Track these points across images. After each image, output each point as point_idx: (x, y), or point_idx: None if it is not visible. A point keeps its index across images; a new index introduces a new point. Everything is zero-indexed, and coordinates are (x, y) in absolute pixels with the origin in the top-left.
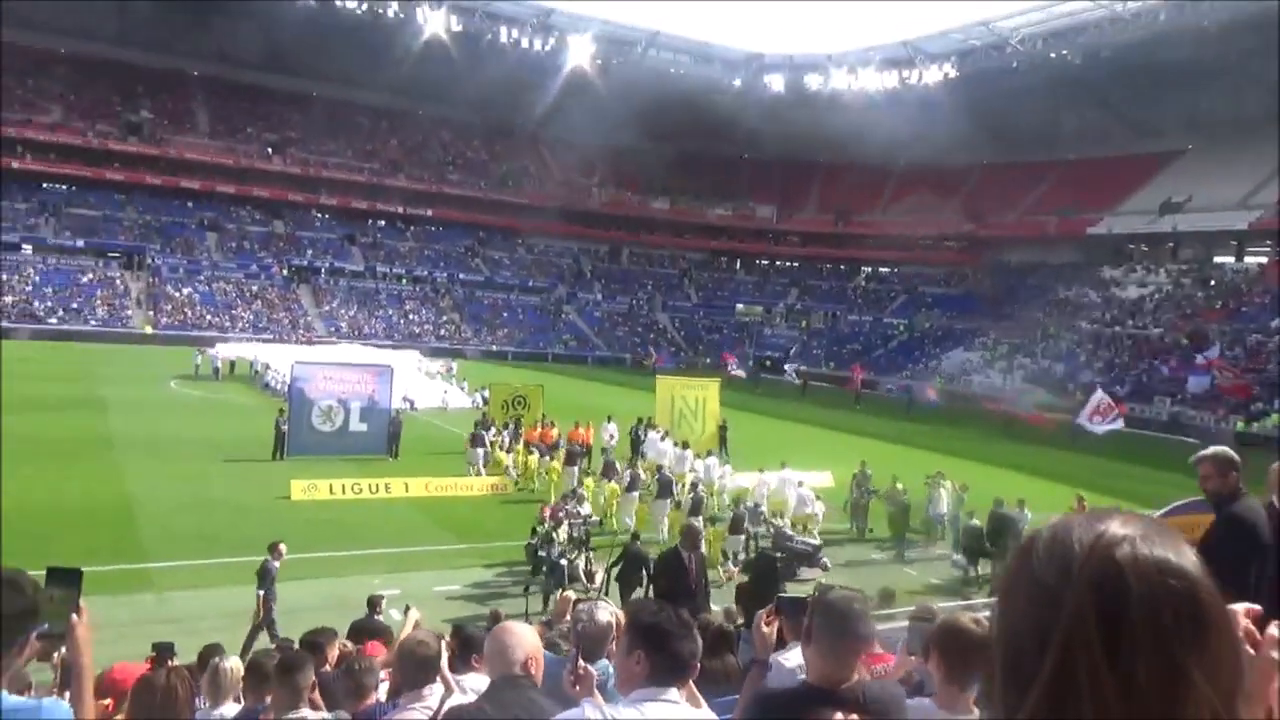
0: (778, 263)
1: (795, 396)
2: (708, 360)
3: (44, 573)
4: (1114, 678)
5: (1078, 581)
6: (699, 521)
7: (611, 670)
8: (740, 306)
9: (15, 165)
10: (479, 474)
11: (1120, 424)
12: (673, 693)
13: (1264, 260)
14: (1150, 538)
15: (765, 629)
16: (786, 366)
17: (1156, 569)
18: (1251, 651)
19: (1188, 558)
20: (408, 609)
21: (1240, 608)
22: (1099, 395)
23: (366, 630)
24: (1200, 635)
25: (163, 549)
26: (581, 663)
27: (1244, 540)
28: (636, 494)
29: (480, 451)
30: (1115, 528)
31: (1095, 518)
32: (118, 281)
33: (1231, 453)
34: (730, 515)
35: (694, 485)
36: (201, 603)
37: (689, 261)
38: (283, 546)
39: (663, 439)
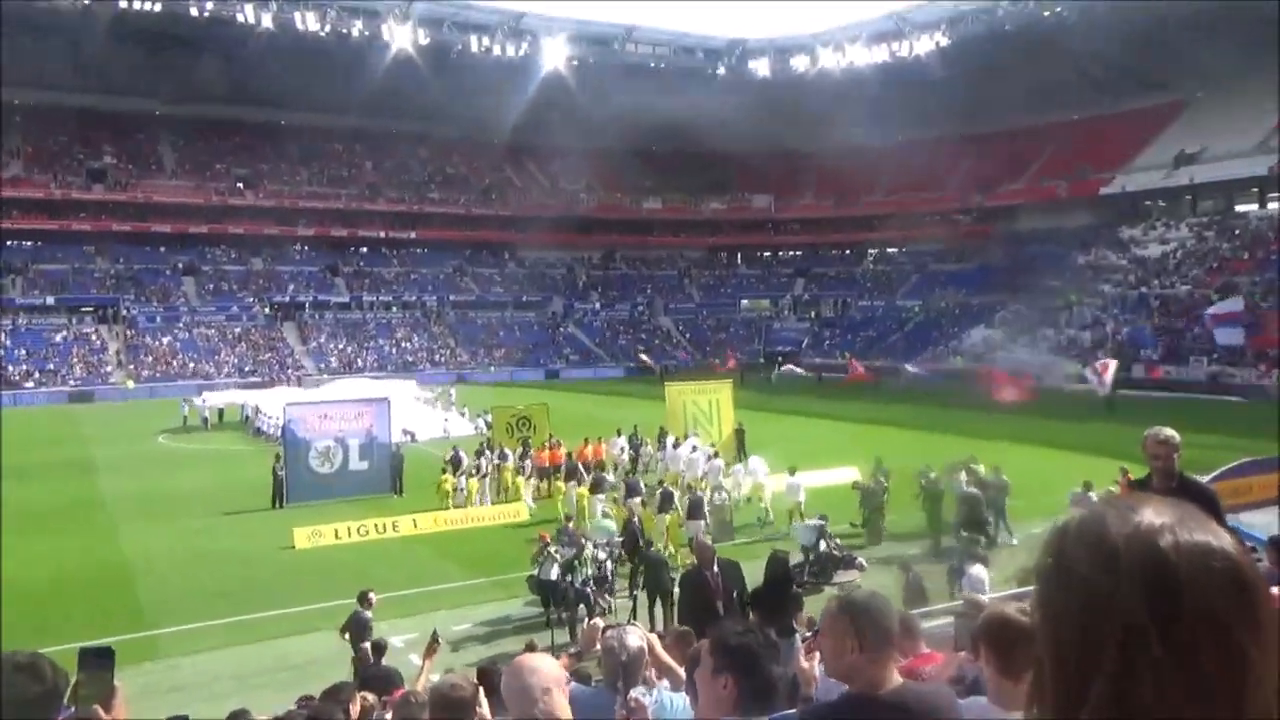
0: (780, 253)
1: (813, 392)
2: (715, 360)
3: (69, 654)
4: (1180, 673)
5: (1125, 577)
6: (706, 536)
7: (664, 699)
8: (745, 302)
9: None
10: (475, 502)
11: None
12: None
13: None
14: (1186, 523)
15: (806, 665)
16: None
17: (1200, 554)
18: None
19: (1224, 538)
20: (434, 641)
21: None
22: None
23: (375, 678)
24: (1250, 612)
25: (165, 613)
26: (634, 695)
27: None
28: (667, 515)
29: (460, 478)
30: (1150, 516)
31: (1127, 507)
32: (93, 337)
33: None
34: (689, 500)
35: (689, 489)
36: (211, 666)
37: (687, 260)
38: (373, 595)
39: (693, 450)
